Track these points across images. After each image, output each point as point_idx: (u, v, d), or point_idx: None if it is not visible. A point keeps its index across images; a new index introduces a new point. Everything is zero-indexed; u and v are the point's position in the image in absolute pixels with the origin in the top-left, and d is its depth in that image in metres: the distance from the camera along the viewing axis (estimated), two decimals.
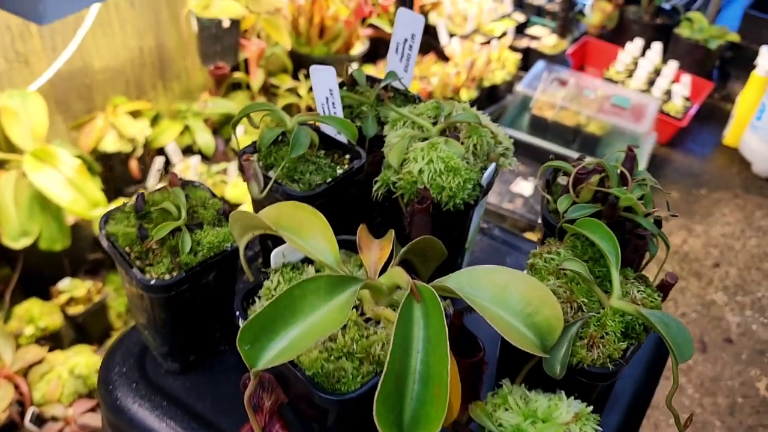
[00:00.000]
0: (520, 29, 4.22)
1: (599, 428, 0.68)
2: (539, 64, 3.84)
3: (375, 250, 0.79)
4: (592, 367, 0.72)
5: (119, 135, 2.58)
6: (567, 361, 0.71)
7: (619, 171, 0.88)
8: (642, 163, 3.58)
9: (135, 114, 2.71)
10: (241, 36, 2.95)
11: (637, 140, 3.59)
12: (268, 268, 0.79)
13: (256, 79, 3.07)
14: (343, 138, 1.00)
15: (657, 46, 4.17)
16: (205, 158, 2.98)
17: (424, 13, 3.91)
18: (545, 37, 4.18)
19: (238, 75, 3.16)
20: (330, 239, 0.74)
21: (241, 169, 0.94)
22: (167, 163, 2.90)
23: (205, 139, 2.96)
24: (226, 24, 2.70)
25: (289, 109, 3.31)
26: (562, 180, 0.97)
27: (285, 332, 0.62)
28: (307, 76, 3.29)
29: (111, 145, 2.53)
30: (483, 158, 0.95)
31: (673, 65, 4.01)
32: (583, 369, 0.72)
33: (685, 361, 0.68)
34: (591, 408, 0.69)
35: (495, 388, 0.74)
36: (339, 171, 0.95)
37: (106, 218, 0.83)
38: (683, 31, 4.31)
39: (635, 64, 4.19)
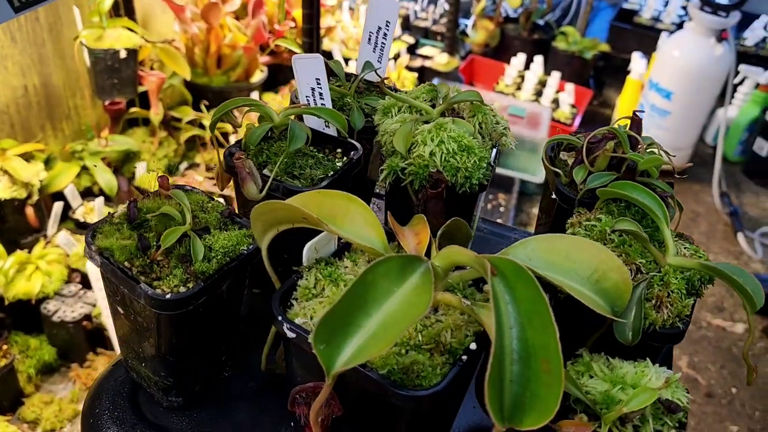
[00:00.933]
0: (411, 50, 4.30)
1: (687, 397, 0.65)
2: (435, 82, 3.92)
3: (411, 236, 0.72)
4: (664, 328, 0.69)
5: (11, 180, 2.32)
6: (639, 326, 0.67)
7: (628, 137, 0.87)
8: (541, 169, 3.71)
9: (26, 157, 2.46)
10: (138, 68, 2.78)
11: (536, 146, 3.73)
12: (299, 266, 0.69)
13: (157, 112, 2.89)
14: (331, 131, 0.93)
15: (539, 59, 4.39)
16: (108, 199, 2.75)
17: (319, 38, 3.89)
18: (437, 56, 4.28)
19: (135, 110, 2.97)
20: (375, 225, 0.66)
21: (231, 170, 0.84)
22: (67, 207, 2.65)
23: (106, 179, 2.74)
24: (122, 54, 2.53)
25: (193, 142, 3.15)
26: (564, 156, 0.95)
27: (363, 321, 0.54)
28: (208, 107, 3.15)
29: (3, 191, 2.27)
30: (488, 138, 0.91)
31: (555, 76, 4.23)
32: (655, 331, 0.68)
33: (758, 309, 0.66)
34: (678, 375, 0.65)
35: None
36: (338, 164, 0.87)
37: (93, 233, 0.70)
38: (560, 44, 4.58)
39: (521, 77, 4.38)
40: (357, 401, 0.64)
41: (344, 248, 0.73)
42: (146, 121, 3.09)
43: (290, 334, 0.62)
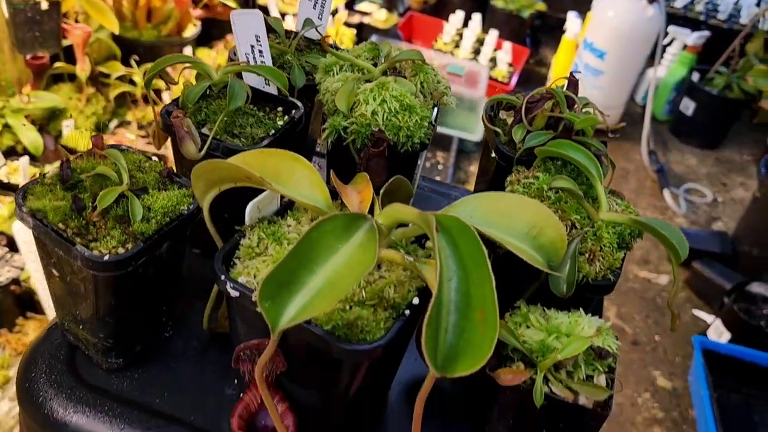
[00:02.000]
0: (350, 5, 4.23)
1: (616, 343, 0.68)
2: (373, 38, 3.88)
3: (354, 194, 0.72)
4: (597, 281, 0.72)
5: None
6: (573, 279, 0.70)
7: (565, 97, 0.89)
8: (479, 127, 3.76)
9: None
10: (62, 20, 2.63)
11: (475, 105, 3.77)
12: (241, 225, 0.69)
13: (84, 67, 2.76)
14: (271, 89, 0.91)
15: (477, 17, 4.39)
16: (34, 159, 2.63)
17: None
18: (375, 12, 4.23)
19: (60, 65, 2.82)
20: (319, 184, 0.66)
21: (168, 129, 0.81)
22: None
23: (30, 137, 2.61)
24: (44, 6, 2.39)
25: (123, 98, 3.03)
26: (503, 115, 0.96)
27: (307, 278, 0.54)
28: (139, 62, 3.03)
29: None
30: (430, 97, 0.91)
31: (493, 34, 4.25)
32: (588, 283, 0.72)
33: (682, 261, 0.70)
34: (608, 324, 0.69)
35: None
36: (280, 123, 0.86)
37: (23, 194, 0.67)
38: (497, 2, 4.60)
39: (459, 35, 4.39)
40: (301, 357, 0.64)
41: (287, 207, 0.73)
42: (72, 77, 2.94)
43: (233, 293, 0.62)
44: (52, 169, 0.69)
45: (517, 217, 0.68)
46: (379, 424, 0.80)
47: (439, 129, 3.57)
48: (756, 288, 2.95)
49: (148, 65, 2.93)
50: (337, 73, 0.90)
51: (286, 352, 0.65)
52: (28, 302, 2.25)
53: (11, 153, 2.64)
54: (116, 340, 0.74)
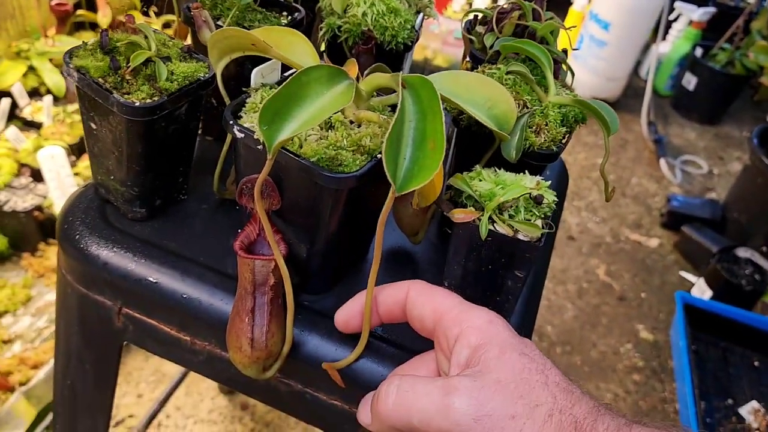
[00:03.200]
0: None
1: (553, 196, 0.82)
2: None
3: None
4: (541, 149, 0.86)
5: None
6: (521, 146, 0.84)
7: (532, 9, 1.02)
8: None
9: None
10: None
11: (458, 64, 3.87)
12: (247, 87, 0.83)
13: (105, 15, 2.90)
14: None
15: None
16: (56, 99, 2.79)
17: None
18: None
19: (82, 13, 2.97)
20: (314, 55, 0.80)
21: (188, 21, 0.96)
22: (14, 105, 2.68)
23: (54, 79, 2.77)
24: None
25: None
26: (479, 29, 1.10)
27: (297, 112, 0.69)
28: (158, 13, 3.17)
29: None
30: (414, 6, 1.05)
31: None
32: (534, 151, 0.86)
33: (613, 134, 0.84)
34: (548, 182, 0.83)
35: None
36: (284, 21, 1.00)
37: (69, 55, 0.82)
38: None
39: (470, 4, 4.49)
40: (292, 195, 0.79)
41: (286, 78, 0.87)
42: (93, 26, 3.09)
43: (239, 135, 0.76)
44: (92, 38, 0.84)
45: (475, 91, 0.82)
46: (358, 273, 0.95)
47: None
48: (741, 252, 3.08)
49: (167, 17, 3.07)
50: None
51: (281, 192, 0.79)
52: (49, 228, 2.42)
53: (35, 93, 2.80)
54: (140, 189, 0.89)
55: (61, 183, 2.32)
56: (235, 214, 0.98)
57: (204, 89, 0.86)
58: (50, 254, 2.43)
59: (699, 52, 4.32)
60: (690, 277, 3.26)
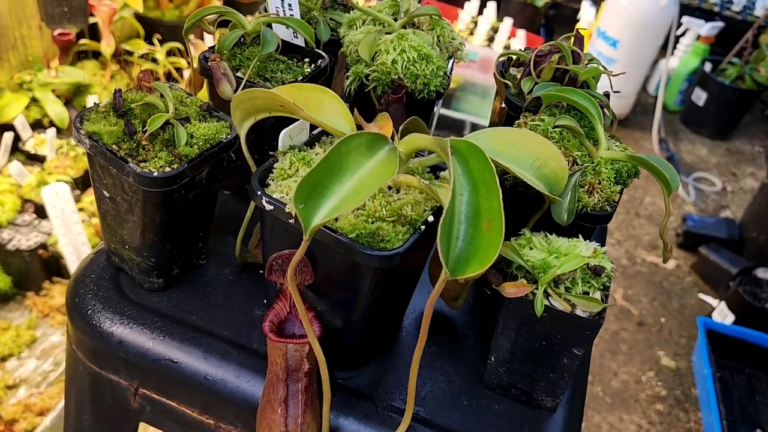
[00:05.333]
0: None
1: (611, 264, 0.75)
2: None
3: (375, 129, 0.79)
4: (595, 210, 0.79)
5: None
6: (573, 208, 0.77)
7: (571, 51, 0.96)
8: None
9: None
10: None
11: (488, 91, 3.83)
12: (274, 149, 0.76)
13: (109, 45, 2.85)
14: (299, 42, 0.99)
15: (492, 6, 4.45)
16: (59, 132, 2.73)
17: None
18: None
19: (85, 42, 2.92)
20: (345, 114, 0.74)
21: (205, 72, 0.89)
22: (16, 138, 2.62)
23: (57, 110, 2.71)
24: None
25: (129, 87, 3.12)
26: (513, 71, 1.03)
27: (336, 187, 0.62)
28: (161, 41, 3.12)
29: None
30: (445, 50, 0.98)
31: (508, 22, 4.30)
32: (587, 213, 0.79)
33: (673, 192, 0.77)
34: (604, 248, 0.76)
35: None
36: (307, 70, 0.94)
37: (80, 119, 0.75)
38: None
39: (474, 23, 4.44)
40: (326, 270, 0.72)
41: (315, 139, 0.80)
42: (96, 55, 3.04)
43: (268, 207, 0.69)
44: (104, 99, 0.77)
45: (522, 149, 0.76)
46: (393, 345, 0.87)
47: (452, 114, 3.64)
48: (762, 273, 3.00)
49: (171, 44, 3.02)
50: (360, 27, 0.98)
51: (314, 266, 0.72)
52: (54, 266, 2.35)
53: (38, 126, 2.74)
54: (158, 259, 0.82)
55: (66, 219, 2.25)
56: (258, 280, 0.91)
57: (226, 152, 0.79)
58: (55, 293, 2.36)
59: (708, 67, 4.26)
60: (709, 299, 3.18)
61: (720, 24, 4.35)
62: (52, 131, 2.62)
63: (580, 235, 0.77)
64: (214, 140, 0.77)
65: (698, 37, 4.38)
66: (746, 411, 2.61)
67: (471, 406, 0.81)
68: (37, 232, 2.34)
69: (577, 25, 4.41)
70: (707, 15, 4.63)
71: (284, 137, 0.76)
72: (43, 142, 2.66)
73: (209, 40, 3.20)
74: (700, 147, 4.41)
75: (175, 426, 0.84)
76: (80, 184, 2.55)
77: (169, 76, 3.07)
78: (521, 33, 4.31)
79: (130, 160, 0.72)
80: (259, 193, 0.70)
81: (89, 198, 2.47)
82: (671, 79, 4.50)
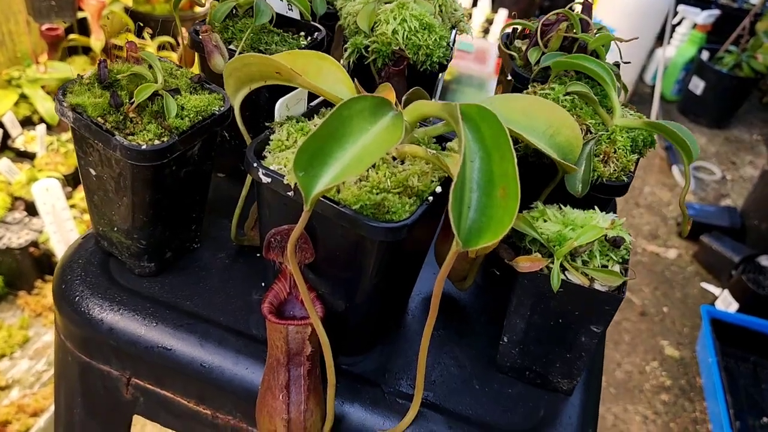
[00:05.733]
0: None
1: (629, 236, 0.71)
2: None
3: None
4: (611, 181, 0.75)
5: None
6: (588, 178, 0.73)
7: (580, 20, 0.91)
8: None
9: None
10: None
11: (484, 82, 3.79)
12: (270, 121, 0.72)
13: (98, 39, 2.79)
14: (294, 14, 0.94)
15: None
16: (50, 128, 2.68)
17: None
18: None
19: (74, 37, 2.86)
20: (346, 81, 0.69)
21: (196, 46, 0.84)
22: (6, 135, 2.57)
23: (46, 107, 2.65)
24: None
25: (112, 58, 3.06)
26: (518, 43, 0.99)
27: (339, 153, 0.57)
28: (152, 35, 3.06)
29: None
30: (447, 21, 0.94)
31: (503, 13, 4.26)
32: (602, 183, 0.74)
33: (694, 161, 0.73)
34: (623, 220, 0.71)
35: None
36: (303, 43, 0.89)
37: (63, 91, 0.71)
38: None
39: (469, 14, 4.40)
40: (327, 246, 0.67)
41: (314, 110, 0.76)
42: (86, 50, 2.98)
43: (265, 179, 0.65)
44: (89, 70, 0.72)
45: (534, 116, 0.71)
46: (399, 329, 0.83)
47: None
48: (765, 261, 2.97)
49: (162, 38, 2.97)
50: None
51: (314, 243, 0.68)
52: (46, 264, 2.29)
53: (28, 122, 2.69)
54: (149, 242, 0.77)
55: (57, 216, 2.20)
56: (255, 263, 0.86)
57: (219, 125, 0.74)
58: (47, 292, 2.30)
59: (705, 55, 4.23)
60: (712, 288, 3.14)
61: (716, 12, 4.31)
62: (42, 128, 2.56)
63: (596, 207, 0.73)
64: (206, 112, 0.73)
65: (694, 26, 4.35)
66: (752, 399, 2.58)
67: (483, 390, 0.76)
68: (28, 229, 2.29)
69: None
70: (703, 3, 4.60)
71: (281, 107, 0.71)
72: (33, 139, 2.61)
73: None
74: (699, 136, 4.38)
75: (170, 417, 0.80)
76: (71, 180, 2.50)
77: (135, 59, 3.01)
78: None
79: (116, 132, 0.67)
80: (255, 165, 0.65)
81: (81, 195, 2.42)
82: (668, 68, 4.47)
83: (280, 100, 0.71)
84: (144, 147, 0.66)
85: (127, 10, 3.08)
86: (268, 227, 0.70)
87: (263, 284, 0.82)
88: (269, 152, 0.69)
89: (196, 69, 0.91)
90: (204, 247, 0.88)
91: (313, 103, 0.76)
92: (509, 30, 0.99)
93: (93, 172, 0.73)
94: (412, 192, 0.67)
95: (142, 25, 3.07)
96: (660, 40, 4.28)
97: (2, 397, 2.00)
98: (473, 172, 0.60)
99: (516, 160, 0.58)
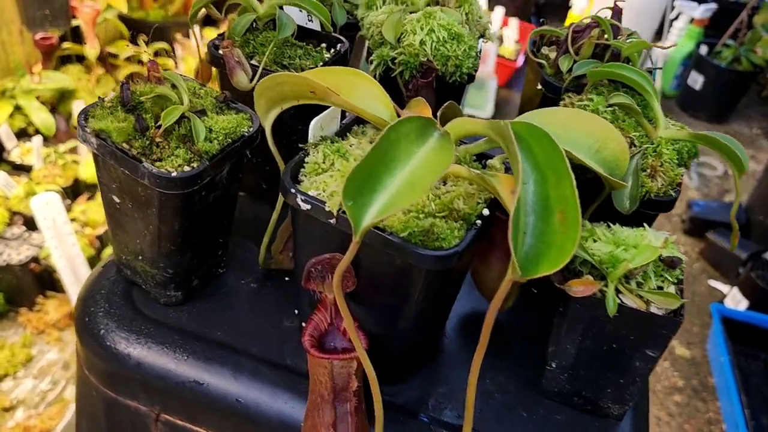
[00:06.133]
0: None
1: (683, 256, 0.68)
2: None
3: (412, 114, 0.71)
4: (659, 196, 0.71)
5: None
6: (637, 194, 0.70)
7: (611, 25, 0.88)
8: (489, 105, 3.76)
9: None
10: None
11: (483, 83, 3.76)
12: (296, 139, 0.68)
13: (93, 47, 2.74)
14: (314, 25, 0.90)
15: None
16: (46, 140, 2.62)
17: None
18: None
19: (69, 45, 2.81)
20: (382, 97, 0.66)
21: (216, 62, 0.81)
22: (1, 148, 2.52)
23: (42, 117, 2.61)
24: None
25: (133, 79, 3.01)
26: (545, 50, 0.96)
27: (387, 180, 0.54)
28: (147, 42, 3.01)
29: None
30: (474, 29, 0.90)
31: (500, 11, 4.23)
32: (650, 199, 0.71)
33: (744, 172, 0.70)
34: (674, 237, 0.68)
35: None
36: (327, 55, 0.86)
37: (85, 116, 0.67)
38: None
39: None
40: (370, 274, 0.64)
41: (347, 128, 0.72)
42: (80, 59, 2.93)
43: (304, 206, 0.61)
44: (111, 93, 0.69)
45: (577, 130, 0.68)
46: (438, 354, 0.79)
47: None
48: None
49: (158, 45, 2.92)
50: (380, 7, 0.90)
51: (356, 271, 0.64)
52: (47, 280, 2.25)
53: (23, 134, 2.64)
54: (176, 271, 0.73)
55: (58, 231, 2.15)
56: (284, 287, 0.83)
57: (248, 146, 0.71)
58: (49, 308, 2.25)
59: (704, 50, 4.21)
60: (719, 285, 3.12)
61: (713, 6, 4.30)
62: (38, 139, 2.51)
63: (645, 224, 0.70)
64: (235, 134, 0.69)
65: (692, 20, 4.33)
66: (765, 398, 2.56)
67: (530, 417, 0.73)
68: (27, 245, 2.24)
69: (569, 12, 4.34)
70: None
71: (315, 128, 0.67)
72: (30, 151, 2.55)
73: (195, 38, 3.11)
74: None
75: None
76: (70, 193, 2.45)
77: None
78: (513, 21, 4.24)
79: (144, 159, 0.64)
80: (293, 191, 0.62)
81: (81, 207, 2.37)
82: (667, 63, 4.45)
83: (315, 121, 0.67)
84: (174, 174, 0.63)
85: (120, 17, 3.03)
86: (305, 254, 0.67)
87: (296, 311, 0.78)
88: (305, 176, 0.66)
89: (213, 84, 0.87)
90: (230, 270, 0.84)
91: (345, 121, 0.72)
92: (536, 37, 0.96)
93: (116, 199, 0.69)
94: (458, 215, 0.63)
95: (136, 31, 3.02)
96: (659, 35, 4.26)
97: (7, 418, 1.96)
98: (527, 195, 0.56)
99: (575, 182, 0.55)
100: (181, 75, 0.74)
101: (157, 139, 0.65)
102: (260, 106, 0.66)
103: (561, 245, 0.54)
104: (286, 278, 0.83)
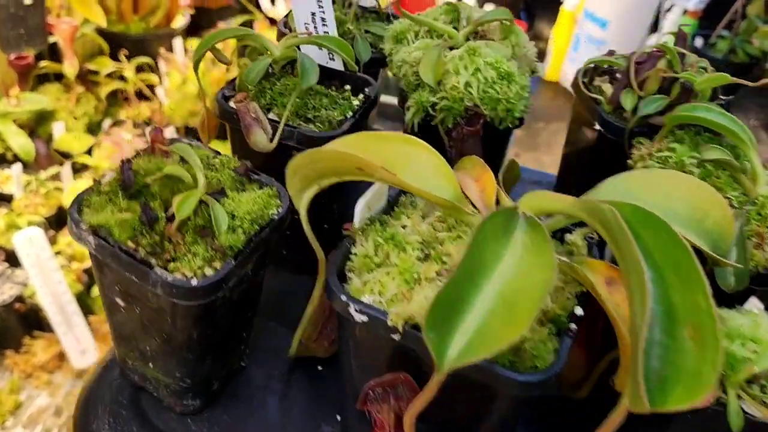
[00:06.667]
0: None
1: None
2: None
3: (470, 182, 0.59)
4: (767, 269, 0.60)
5: None
6: (746, 269, 0.58)
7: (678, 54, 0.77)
8: None
9: None
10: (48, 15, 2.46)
11: None
12: (350, 227, 0.56)
13: (72, 64, 2.59)
14: (336, 64, 0.78)
15: None
16: (26, 166, 2.47)
17: None
18: None
19: (46, 64, 2.65)
20: (445, 172, 0.54)
21: (228, 117, 0.68)
22: None
23: (20, 142, 2.45)
24: (27, 0, 2.22)
25: (114, 96, 2.86)
26: (597, 81, 0.84)
27: (476, 300, 0.42)
28: (129, 57, 2.86)
29: None
30: (525, 65, 0.78)
31: (489, 8, 4.11)
32: (758, 273, 0.60)
33: None
34: None
35: None
36: (355, 102, 0.73)
37: (78, 206, 0.54)
38: None
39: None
40: (443, 398, 0.52)
41: (393, 204, 0.60)
42: (58, 77, 2.77)
43: (360, 318, 0.49)
44: (107, 174, 0.56)
45: (674, 196, 0.56)
46: None
47: None
48: None
49: (140, 59, 2.77)
50: (412, 42, 0.77)
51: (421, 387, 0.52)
52: (33, 320, 2.10)
53: (1, 161, 2.48)
54: (194, 379, 0.61)
55: (42, 267, 2.01)
56: (318, 381, 0.71)
57: (278, 232, 0.58)
58: (37, 349, 2.11)
59: (699, 42, 4.12)
60: None
61: None
62: (17, 167, 2.36)
63: (755, 304, 0.58)
64: (263, 219, 0.57)
65: (685, 12, 4.24)
66: None
67: None
68: (11, 283, 2.10)
69: (561, 8, 4.24)
70: None
71: (362, 210, 0.55)
72: (9, 179, 2.40)
73: (179, 51, 2.97)
74: None
75: None
76: (54, 223, 2.30)
77: (140, 95, 2.82)
78: None
79: (154, 262, 0.51)
80: (344, 299, 0.49)
81: (66, 239, 2.23)
82: None
83: (361, 202, 0.55)
84: (195, 283, 0.50)
85: (99, 31, 2.87)
86: (355, 367, 0.55)
87: (338, 417, 0.66)
88: (353, 271, 0.53)
89: (218, 143, 0.75)
90: (253, 362, 0.72)
91: (403, 199, 0.60)
92: (588, 67, 0.84)
93: (121, 303, 0.57)
94: (546, 317, 0.52)
95: (116, 46, 2.87)
96: (654, 29, 4.17)
97: None
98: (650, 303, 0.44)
99: (709, 288, 0.43)
100: (189, 142, 0.62)
101: (170, 234, 0.53)
102: (293, 186, 0.54)
103: (696, 370, 0.42)
104: (319, 367, 0.71)
